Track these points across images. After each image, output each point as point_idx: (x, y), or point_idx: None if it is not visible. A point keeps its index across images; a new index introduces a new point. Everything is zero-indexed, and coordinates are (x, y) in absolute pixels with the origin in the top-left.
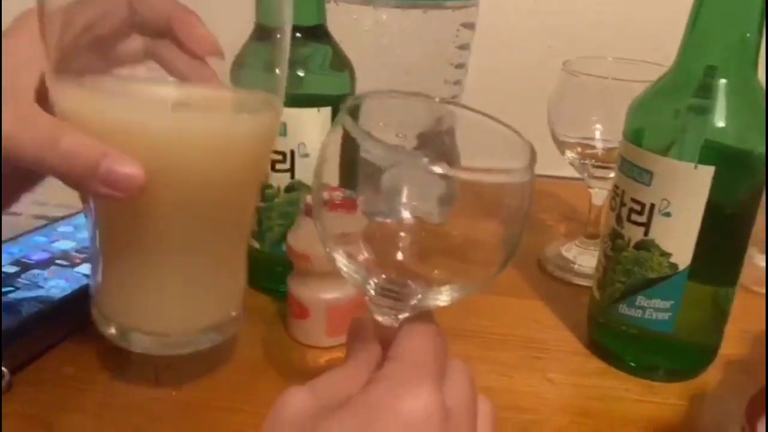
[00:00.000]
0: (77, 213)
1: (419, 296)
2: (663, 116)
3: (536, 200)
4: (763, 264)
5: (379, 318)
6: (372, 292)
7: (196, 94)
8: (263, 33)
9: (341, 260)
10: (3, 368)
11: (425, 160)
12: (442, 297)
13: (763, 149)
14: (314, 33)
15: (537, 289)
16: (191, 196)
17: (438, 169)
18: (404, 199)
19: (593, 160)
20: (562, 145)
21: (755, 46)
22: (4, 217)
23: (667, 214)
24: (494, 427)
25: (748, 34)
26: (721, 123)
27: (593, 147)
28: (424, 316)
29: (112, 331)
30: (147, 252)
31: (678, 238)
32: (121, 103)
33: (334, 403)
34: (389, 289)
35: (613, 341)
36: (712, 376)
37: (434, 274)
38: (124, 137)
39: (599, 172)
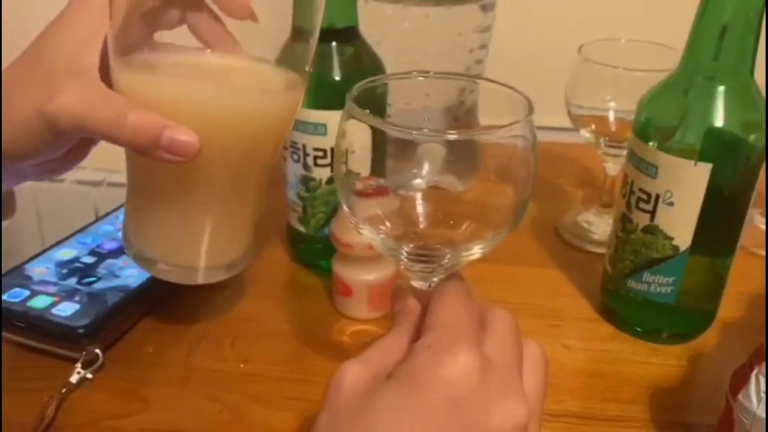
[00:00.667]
0: None
1: (449, 256)
2: (666, 115)
3: (554, 165)
4: (763, 226)
5: (415, 283)
6: (405, 259)
7: (238, 69)
8: (298, 34)
9: (371, 235)
10: (97, 350)
11: (426, 130)
12: (470, 253)
13: (758, 141)
14: (347, 35)
15: (554, 257)
16: (225, 156)
17: (436, 136)
18: (426, 172)
19: (607, 137)
20: (577, 123)
21: (752, 48)
22: (51, 185)
23: (670, 204)
24: (545, 369)
25: (745, 37)
26: (719, 123)
27: (607, 125)
28: (453, 280)
29: (136, 255)
30: (178, 196)
31: (680, 224)
32: (178, 85)
33: (383, 372)
34: (420, 254)
35: (623, 309)
36: (710, 338)
37: (458, 234)
38: (179, 111)
39: (612, 151)
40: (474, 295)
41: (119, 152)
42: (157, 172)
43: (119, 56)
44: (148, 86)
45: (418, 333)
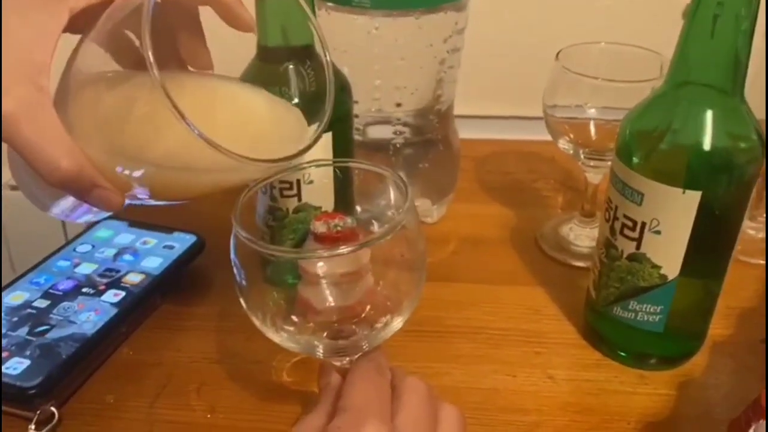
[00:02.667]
0: (90, 228)
1: (366, 342)
2: (651, 138)
3: (531, 167)
4: (753, 232)
5: (334, 361)
6: (321, 355)
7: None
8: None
9: (285, 335)
10: (52, 408)
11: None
12: (386, 332)
13: (749, 163)
14: (306, 54)
15: (536, 273)
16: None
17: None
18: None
19: (587, 149)
20: (555, 131)
21: (743, 66)
22: (14, 193)
23: (657, 232)
24: (461, 429)
25: (736, 55)
26: (707, 146)
27: (587, 132)
28: (370, 356)
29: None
30: None
31: (668, 252)
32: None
33: None
34: (338, 348)
35: (608, 334)
36: (700, 360)
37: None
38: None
39: (593, 162)
40: (386, 367)
41: None
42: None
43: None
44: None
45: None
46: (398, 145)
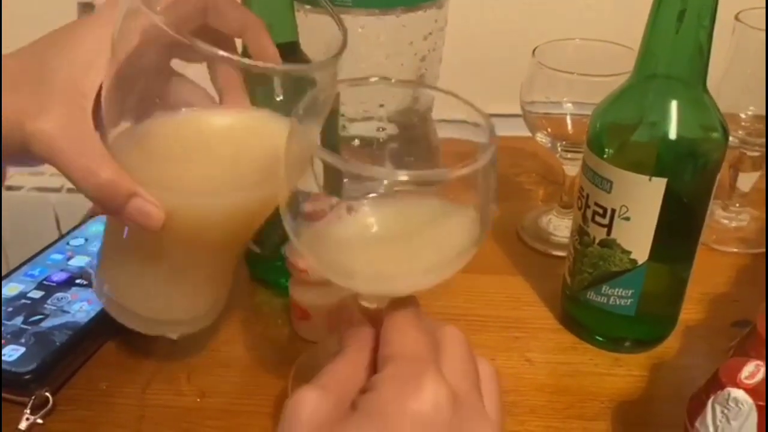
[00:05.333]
0: (83, 222)
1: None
2: (619, 127)
3: (513, 161)
4: (726, 222)
5: (364, 303)
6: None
7: (219, 166)
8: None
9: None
10: (46, 393)
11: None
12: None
13: (713, 151)
14: (289, 51)
15: (516, 263)
16: (196, 239)
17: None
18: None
19: (564, 142)
20: (533, 126)
21: (705, 59)
22: (8, 193)
23: (627, 218)
24: (498, 387)
25: (699, 48)
26: (672, 135)
27: (563, 127)
28: (405, 301)
29: (107, 302)
30: (148, 258)
31: (637, 238)
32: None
33: (344, 400)
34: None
35: (583, 319)
36: (673, 343)
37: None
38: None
39: (570, 155)
40: (423, 314)
41: None
42: (148, 242)
43: (118, 103)
44: (139, 166)
45: (371, 354)
46: (382, 140)
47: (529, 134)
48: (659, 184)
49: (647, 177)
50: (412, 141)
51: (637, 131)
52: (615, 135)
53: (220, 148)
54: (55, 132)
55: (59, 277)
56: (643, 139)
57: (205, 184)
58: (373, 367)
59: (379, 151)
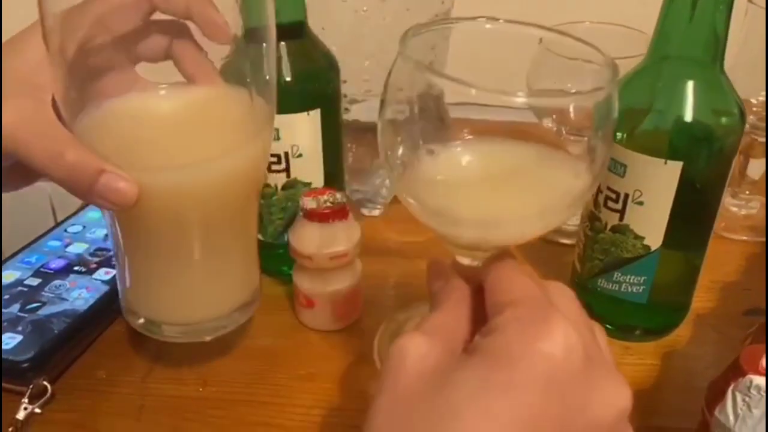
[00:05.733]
0: (81, 209)
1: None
2: (632, 110)
3: None
4: (735, 209)
5: (461, 260)
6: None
7: (190, 138)
8: (249, 35)
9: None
10: (44, 382)
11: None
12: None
13: (729, 134)
14: (295, 31)
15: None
16: (194, 213)
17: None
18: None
19: (568, 126)
20: (539, 113)
21: (722, 39)
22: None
23: (640, 203)
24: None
25: (715, 28)
26: (688, 117)
27: (568, 116)
28: (504, 255)
29: (141, 322)
30: (165, 254)
31: (650, 223)
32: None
33: (453, 347)
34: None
35: (594, 307)
36: (684, 331)
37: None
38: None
39: (575, 138)
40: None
41: None
42: (141, 235)
43: (68, 76)
44: (106, 149)
45: (471, 310)
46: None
47: (534, 120)
48: (675, 168)
49: (662, 160)
50: (423, 121)
51: (652, 114)
52: (629, 118)
53: (186, 122)
54: (17, 122)
55: (57, 264)
56: (659, 122)
57: (175, 158)
58: (476, 322)
59: None
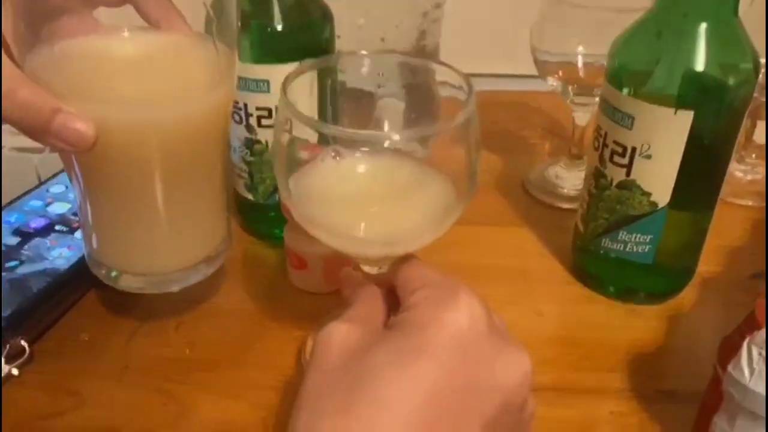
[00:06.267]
0: (64, 170)
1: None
2: (642, 59)
3: (518, 116)
4: (741, 174)
5: (366, 269)
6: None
7: (152, 78)
8: None
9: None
10: (23, 342)
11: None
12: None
13: (742, 85)
14: None
15: (522, 215)
16: (157, 156)
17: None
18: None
19: (575, 86)
20: (543, 70)
21: None
22: None
23: (648, 157)
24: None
25: None
26: (699, 66)
27: (575, 72)
28: (409, 257)
29: (104, 272)
30: (128, 201)
31: (658, 178)
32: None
33: (373, 328)
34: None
35: (597, 270)
36: (689, 295)
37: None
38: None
39: (581, 99)
40: None
41: None
42: (101, 178)
43: (21, 20)
44: (47, 71)
45: (384, 305)
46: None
47: (534, 89)
48: (685, 118)
49: (672, 110)
50: (414, 91)
51: (662, 62)
52: (637, 67)
53: (147, 63)
54: None
55: (37, 223)
56: (668, 70)
57: (135, 96)
58: (388, 313)
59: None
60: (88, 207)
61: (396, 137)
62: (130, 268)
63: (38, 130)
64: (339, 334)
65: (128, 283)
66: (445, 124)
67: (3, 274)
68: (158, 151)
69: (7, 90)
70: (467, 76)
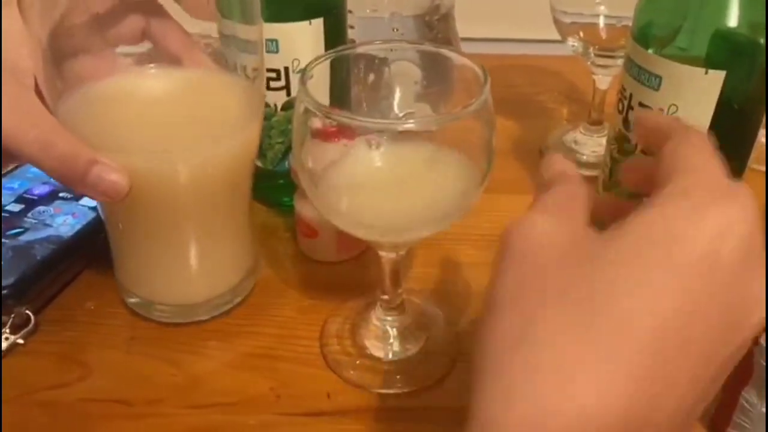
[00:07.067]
0: None
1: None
2: (670, 16)
3: (534, 80)
4: (764, 140)
5: (384, 254)
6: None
7: (184, 122)
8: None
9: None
10: (27, 311)
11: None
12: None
13: None
14: None
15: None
16: (189, 197)
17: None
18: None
19: (596, 47)
20: (563, 31)
21: None
22: None
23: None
24: None
25: None
26: (732, 22)
27: (596, 32)
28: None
29: (134, 300)
30: (159, 237)
31: None
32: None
33: (581, 224)
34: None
35: None
36: None
37: None
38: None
39: (603, 61)
40: None
41: None
42: (130, 217)
43: (50, 61)
44: (93, 133)
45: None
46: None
47: (550, 53)
48: (716, 78)
49: (703, 70)
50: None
51: (691, 18)
52: (665, 24)
53: (176, 104)
54: (4, 110)
55: (41, 190)
56: (699, 28)
57: (164, 141)
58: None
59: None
60: (119, 240)
61: (411, 124)
62: (162, 299)
63: (74, 181)
64: (542, 228)
65: (160, 314)
66: (462, 110)
67: (6, 241)
68: (190, 193)
69: (45, 143)
70: (482, 66)
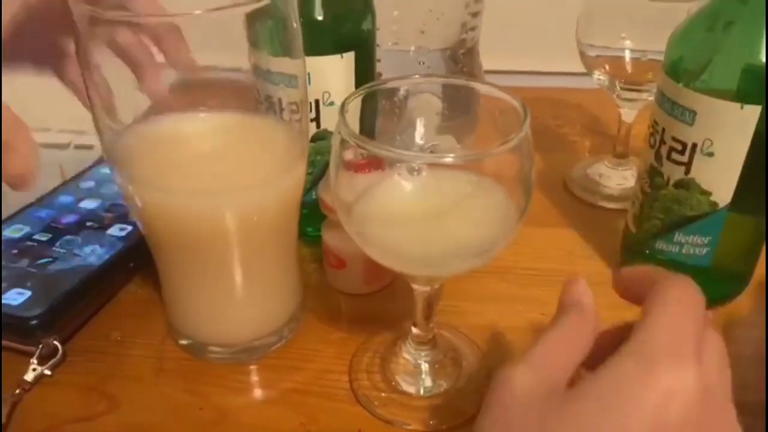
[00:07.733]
0: (93, 166)
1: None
2: (702, 50)
3: (556, 112)
4: None
5: (417, 287)
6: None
7: (233, 166)
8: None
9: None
10: (55, 342)
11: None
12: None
13: None
14: None
15: (565, 215)
16: (236, 240)
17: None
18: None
19: (622, 80)
20: (589, 65)
21: None
22: None
23: (710, 154)
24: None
25: None
26: (763, 55)
27: (622, 66)
28: (683, 278)
29: (185, 342)
30: (206, 279)
31: (720, 177)
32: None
33: (560, 379)
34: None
35: None
36: (743, 301)
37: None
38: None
39: (629, 95)
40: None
41: (85, 114)
42: (179, 259)
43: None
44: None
45: (590, 337)
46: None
47: (572, 86)
48: (752, 113)
49: (738, 105)
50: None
51: (726, 52)
52: (699, 58)
53: (225, 147)
54: None
55: (68, 219)
56: (734, 62)
57: (212, 186)
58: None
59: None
60: (169, 282)
61: (454, 158)
62: (214, 340)
63: None
64: (520, 384)
65: (214, 355)
66: (503, 145)
67: (34, 270)
68: (238, 236)
69: None
70: (521, 100)
